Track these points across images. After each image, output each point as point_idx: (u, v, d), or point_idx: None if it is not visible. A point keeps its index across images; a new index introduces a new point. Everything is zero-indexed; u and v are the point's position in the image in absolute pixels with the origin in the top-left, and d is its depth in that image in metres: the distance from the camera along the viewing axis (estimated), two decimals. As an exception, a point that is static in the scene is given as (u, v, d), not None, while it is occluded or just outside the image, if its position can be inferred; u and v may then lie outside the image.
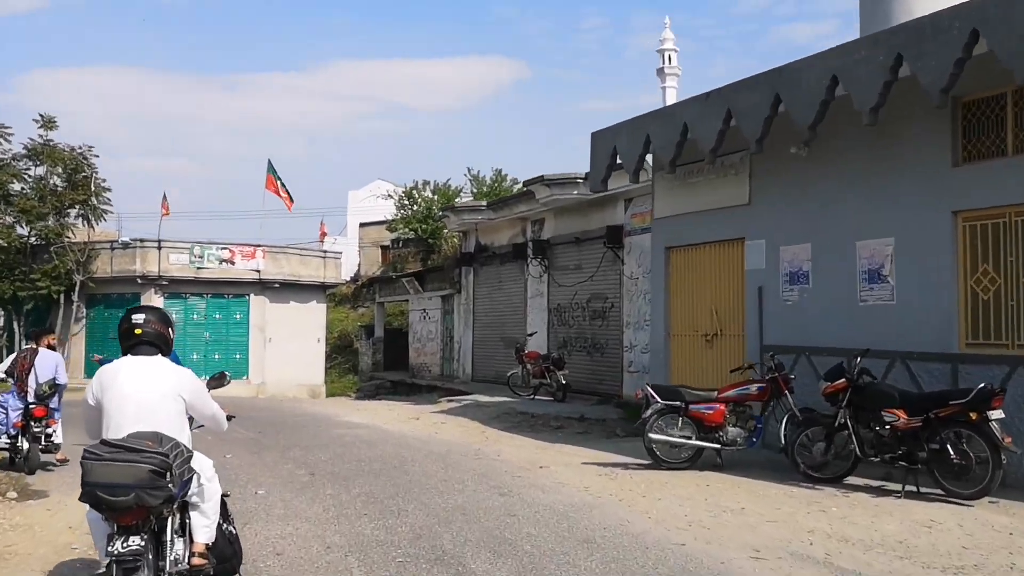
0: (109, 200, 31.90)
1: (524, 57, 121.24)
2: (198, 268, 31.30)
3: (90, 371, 33.01)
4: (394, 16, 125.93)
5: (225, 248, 31.76)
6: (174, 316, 7.89)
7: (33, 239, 31.83)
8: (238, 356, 32.35)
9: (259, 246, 32.24)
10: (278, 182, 32.91)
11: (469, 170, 39.45)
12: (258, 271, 32.06)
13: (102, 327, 32.06)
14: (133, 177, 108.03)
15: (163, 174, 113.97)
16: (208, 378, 5.72)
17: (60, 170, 31.09)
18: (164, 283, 31.10)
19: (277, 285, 32.47)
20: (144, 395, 4.70)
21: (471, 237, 22.54)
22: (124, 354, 4.97)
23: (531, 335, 19.19)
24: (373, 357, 27.89)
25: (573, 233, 18.84)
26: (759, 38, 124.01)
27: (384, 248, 48.52)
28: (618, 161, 13.74)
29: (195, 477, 4.75)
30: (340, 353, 43.22)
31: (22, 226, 31.37)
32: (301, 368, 33.53)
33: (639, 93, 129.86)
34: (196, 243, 31.47)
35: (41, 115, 30.98)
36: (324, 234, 35.20)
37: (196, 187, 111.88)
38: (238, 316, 32.43)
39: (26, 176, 31.33)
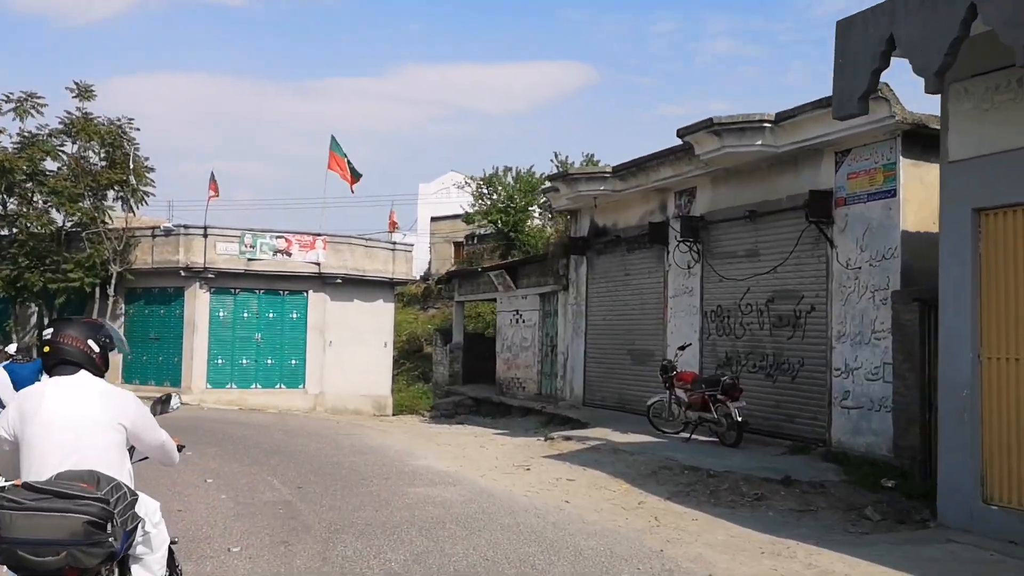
0: (152, 181, 26.90)
1: (594, 61, 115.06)
2: (249, 259, 26.08)
3: (128, 377, 28.14)
4: (465, 21, 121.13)
5: (281, 237, 26.49)
6: (113, 326, 5.09)
7: (68, 225, 27.05)
8: (293, 362, 27.07)
9: (319, 235, 26.91)
10: (344, 160, 27.53)
11: (556, 155, 33.85)
12: (318, 264, 26.72)
13: (141, 326, 27.10)
14: (206, 178, 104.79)
15: (236, 176, 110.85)
16: (155, 400, 4.68)
17: (96, 146, 26.19)
18: (210, 276, 25.93)
19: (339, 280, 27.09)
20: (74, 424, 3.75)
21: (584, 217, 16.66)
22: (49, 375, 4.03)
23: (683, 348, 13.18)
24: (451, 368, 22.32)
25: (745, 205, 12.85)
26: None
27: (457, 244, 43.12)
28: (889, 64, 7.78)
29: (140, 524, 3.81)
30: (408, 358, 37.79)
31: (57, 211, 26.61)
32: (365, 377, 28.14)
33: (711, 99, 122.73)
34: (247, 231, 26.26)
35: (76, 83, 26.17)
36: (394, 224, 29.76)
37: (267, 188, 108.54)
38: (294, 315, 27.14)
39: (61, 153, 26.52)
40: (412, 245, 30.43)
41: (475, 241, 41.88)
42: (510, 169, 33.76)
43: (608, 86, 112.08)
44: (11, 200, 27.14)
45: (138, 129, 26.39)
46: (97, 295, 26.23)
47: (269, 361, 26.78)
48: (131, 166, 25.68)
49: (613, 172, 14.79)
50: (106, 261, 25.86)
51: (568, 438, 13.02)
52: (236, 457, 12.89)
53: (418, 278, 32.81)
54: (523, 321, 19.18)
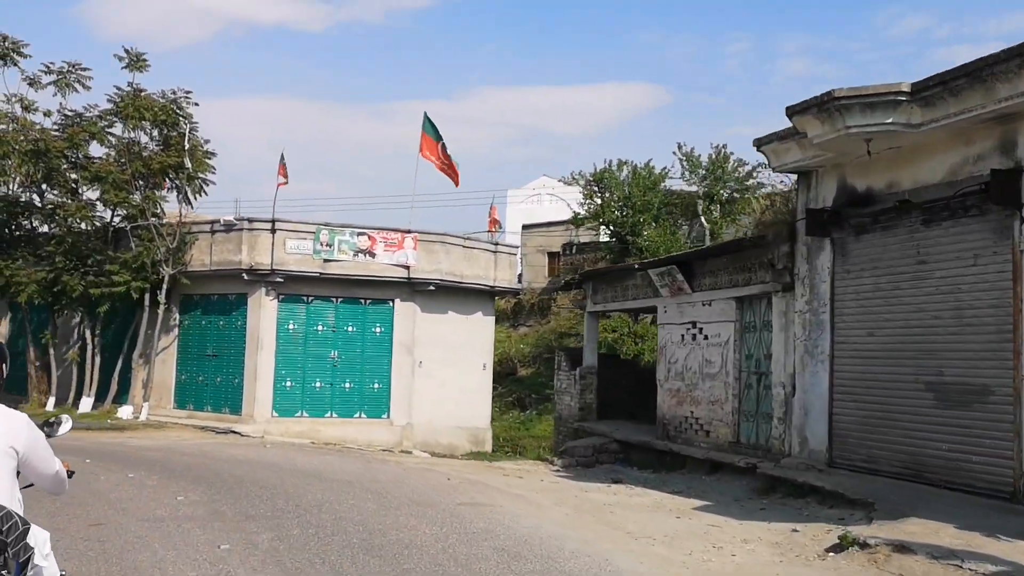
0: (212, 168, 21.71)
1: (665, 82, 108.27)
2: (326, 260, 20.60)
3: (181, 401, 22.83)
4: (537, 44, 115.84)
5: (363, 233, 20.94)
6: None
7: (116, 220, 21.99)
8: (376, 385, 21.41)
9: (409, 232, 21.31)
10: (439, 146, 21.90)
11: (680, 146, 27.76)
12: (407, 267, 21.09)
13: (198, 340, 21.77)
14: (282, 201, 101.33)
15: (311, 197, 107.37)
16: (43, 423, 3.88)
17: (147, 124, 21.06)
18: (278, 280, 20.50)
19: (432, 288, 21.43)
20: None
21: (828, 178, 10.36)
22: None
23: None
24: (581, 398, 16.32)
25: None
26: (915, 61, 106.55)
27: (552, 255, 37.24)
28: None
29: (31, 556, 3.25)
30: (499, 382, 31.93)
31: (104, 204, 21.55)
32: (460, 405, 22.41)
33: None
34: (323, 226, 20.79)
35: (127, 51, 21.18)
36: (495, 223, 23.97)
37: (343, 208, 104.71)
38: (378, 329, 21.51)
39: (108, 136, 21.48)
40: (517, 247, 24.61)
41: (573, 251, 35.98)
42: (625, 163, 27.80)
43: (680, 107, 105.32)
44: (51, 191, 22.24)
45: (196, 104, 21.19)
46: (147, 302, 21.03)
47: (347, 384, 21.18)
48: (186, 146, 20.43)
49: (912, 93, 8.67)
50: (157, 262, 20.66)
51: (901, 547, 6.80)
52: (304, 562, 7.03)
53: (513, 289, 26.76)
54: (705, 337, 13.05)
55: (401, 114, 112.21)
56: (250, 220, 20.68)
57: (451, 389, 22.13)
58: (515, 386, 30.99)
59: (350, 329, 21.32)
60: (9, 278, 21.19)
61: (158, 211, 21.40)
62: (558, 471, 14.43)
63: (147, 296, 21.04)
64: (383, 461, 14.23)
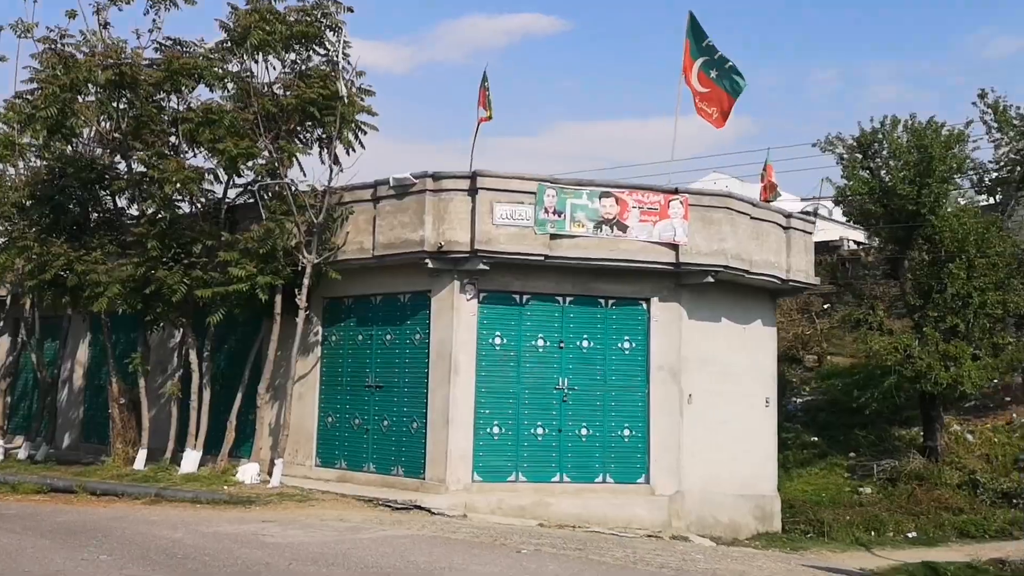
0: (370, 108, 13.84)
1: (749, 112, 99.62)
2: (553, 236, 12.47)
3: (327, 455, 14.79)
4: (617, 80, 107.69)
5: (608, 195, 12.79)
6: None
7: (234, 190, 14.44)
8: (627, 432, 13.10)
9: (676, 191, 13.03)
10: (696, 65, 13.72)
11: (983, 95, 19.00)
12: (675, 245, 12.80)
13: (352, 364, 13.85)
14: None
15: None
16: None
17: (278, 46, 13.35)
18: (482, 267, 12.41)
19: (710, 278, 13.05)
20: None
21: None
22: None
23: None
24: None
25: None
26: (1009, 85, 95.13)
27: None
28: None
29: None
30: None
31: (219, 164, 13.82)
32: (741, 461, 14.01)
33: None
34: (548, 183, 12.66)
35: (247, -59, 13.54)
36: (772, 187, 15.44)
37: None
38: (626, 345, 13.24)
39: (223, 71, 13.84)
40: (814, 221, 16.11)
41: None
42: (901, 122, 19.03)
43: (764, 137, 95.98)
44: (140, 148, 14.62)
45: (350, 10, 13.39)
46: (277, 308, 13.24)
47: (583, 431, 12.94)
48: (340, 63, 12.68)
49: None
50: (294, 248, 12.88)
51: None
52: None
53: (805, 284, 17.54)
54: None
55: (486, 151, 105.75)
56: (435, 176, 12.67)
57: (729, 437, 13.73)
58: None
59: (585, 344, 13.10)
60: (82, 275, 13.67)
61: (293, 172, 13.71)
62: None
63: (278, 299, 13.27)
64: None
